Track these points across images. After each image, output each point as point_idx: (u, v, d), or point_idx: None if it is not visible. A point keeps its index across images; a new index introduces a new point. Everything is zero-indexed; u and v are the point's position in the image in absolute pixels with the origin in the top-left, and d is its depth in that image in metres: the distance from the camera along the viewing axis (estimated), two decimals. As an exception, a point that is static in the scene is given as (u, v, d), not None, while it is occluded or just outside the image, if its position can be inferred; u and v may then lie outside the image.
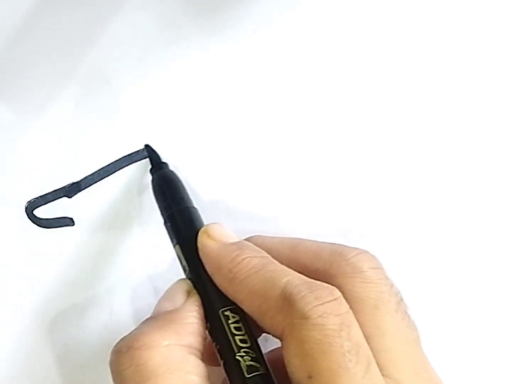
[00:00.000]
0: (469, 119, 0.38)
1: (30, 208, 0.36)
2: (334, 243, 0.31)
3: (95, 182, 0.37)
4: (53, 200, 0.36)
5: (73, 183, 0.37)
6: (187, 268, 0.31)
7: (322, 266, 0.30)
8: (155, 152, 0.36)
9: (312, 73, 0.37)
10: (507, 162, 0.38)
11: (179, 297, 0.30)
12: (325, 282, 0.28)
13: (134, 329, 0.29)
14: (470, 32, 0.38)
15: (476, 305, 0.37)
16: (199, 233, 0.31)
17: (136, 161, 0.36)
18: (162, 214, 0.34)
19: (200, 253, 0.31)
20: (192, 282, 0.31)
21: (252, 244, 0.31)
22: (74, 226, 0.36)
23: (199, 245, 0.31)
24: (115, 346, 0.29)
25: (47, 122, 0.36)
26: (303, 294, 0.27)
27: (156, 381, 0.27)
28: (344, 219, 0.37)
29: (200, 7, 0.37)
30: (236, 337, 0.29)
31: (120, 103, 0.37)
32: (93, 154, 0.37)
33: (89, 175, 0.37)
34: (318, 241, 0.32)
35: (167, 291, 0.31)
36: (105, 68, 0.36)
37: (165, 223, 0.33)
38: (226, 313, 0.29)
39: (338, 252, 0.30)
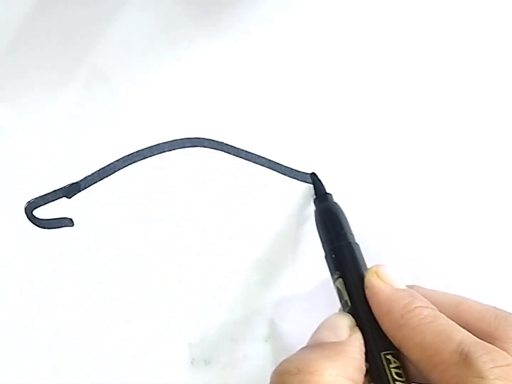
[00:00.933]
0: (469, 120, 0.38)
1: (29, 209, 0.36)
2: (497, 308, 0.31)
3: (95, 182, 0.37)
4: (52, 201, 0.36)
5: (73, 183, 0.36)
6: (349, 304, 0.32)
7: (486, 328, 0.30)
8: (320, 181, 0.37)
9: (312, 73, 0.37)
10: (507, 162, 0.38)
11: (343, 331, 0.31)
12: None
13: (299, 353, 0.30)
14: (470, 32, 0.38)
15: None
16: (369, 272, 0.32)
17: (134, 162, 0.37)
18: (325, 246, 0.34)
19: (368, 293, 0.31)
20: (354, 318, 0.31)
21: (419, 294, 0.31)
22: (74, 226, 0.36)
23: (367, 284, 0.31)
24: (280, 365, 0.29)
25: (47, 122, 0.36)
26: (480, 354, 0.27)
27: None
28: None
29: (200, 7, 0.37)
30: (397, 382, 0.29)
31: (120, 103, 0.37)
32: (93, 154, 0.37)
33: (89, 175, 0.37)
34: (481, 302, 0.32)
35: (329, 322, 0.32)
36: (105, 68, 0.36)
37: (327, 255, 0.34)
38: (388, 356, 0.30)
39: (504, 317, 0.30)
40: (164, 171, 0.37)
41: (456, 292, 0.35)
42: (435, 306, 0.31)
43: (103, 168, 0.37)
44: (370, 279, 0.31)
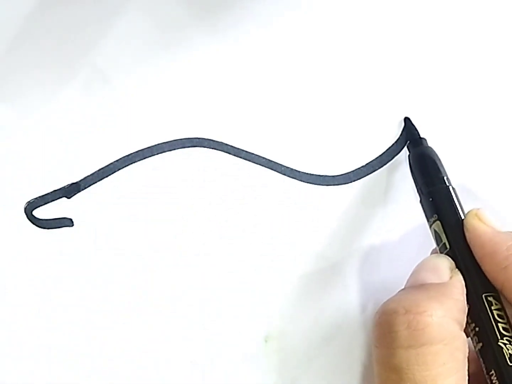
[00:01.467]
0: (468, 122, 0.38)
1: (29, 209, 0.36)
2: None
3: (95, 182, 0.37)
4: (52, 201, 0.36)
5: (73, 183, 0.36)
6: (447, 246, 0.32)
7: None
8: (414, 126, 0.37)
9: (312, 73, 0.37)
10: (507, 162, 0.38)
11: (444, 273, 0.31)
12: None
13: (403, 293, 0.31)
14: (470, 32, 0.38)
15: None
16: (469, 215, 0.32)
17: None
18: (421, 190, 0.34)
19: (469, 235, 0.31)
20: (454, 260, 0.32)
21: None
22: (74, 226, 0.36)
23: (468, 226, 0.32)
24: (385, 305, 0.30)
25: (47, 122, 0.36)
26: None
27: (430, 349, 0.28)
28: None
29: (201, 7, 0.37)
30: (500, 324, 0.30)
31: (120, 103, 0.37)
32: (93, 154, 0.37)
33: (89, 175, 0.37)
34: None
35: (428, 263, 0.32)
36: (105, 68, 0.36)
37: (422, 199, 0.34)
38: (489, 298, 0.30)
39: None
40: (164, 171, 0.37)
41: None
42: None
43: (103, 168, 0.37)
44: (471, 222, 0.32)
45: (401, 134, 0.37)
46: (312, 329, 0.37)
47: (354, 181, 0.38)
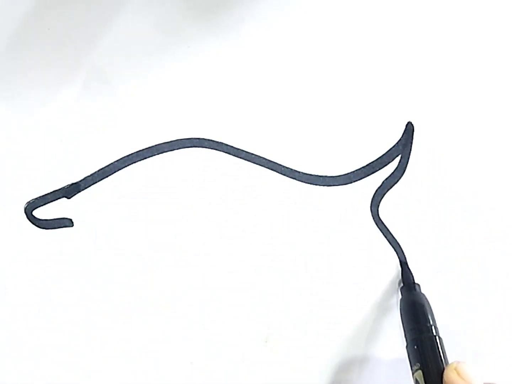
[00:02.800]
0: (469, 122, 0.38)
1: (29, 209, 0.36)
2: None
3: (95, 182, 0.37)
4: (52, 201, 0.36)
5: (73, 183, 0.36)
6: None
7: None
8: (409, 270, 0.37)
9: (312, 73, 0.37)
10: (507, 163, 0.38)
11: None
12: None
13: None
14: (472, 35, 0.38)
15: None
16: (448, 368, 0.32)
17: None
18: (407, 336, 0.35)
19: None
20: None
21: None
22: (74, 226, 0.36)
23: (445, 379, 0.32)
24: None
25: (47, 122, 0.36)
26: None
27: None
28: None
29: (201, 8, 0.37)
30: None
31: (120, 103, 0.36)
32: (93, 154, 0.37)
33: (89, 175, 0.37)
34: None
35: None
36: (105, 68, 0.36)
37: (408, 346, 0.34)
38: None
39: None
40: (164, 171, 0.37)
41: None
42: None
43: (103, 168, 0.37)
44: (449, 375, 0.32)
45: (401, 136, 0.37)
46: (312, 329, 0.37)
47: (354, 181, 0.37)
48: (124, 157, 0.37)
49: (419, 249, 0.38)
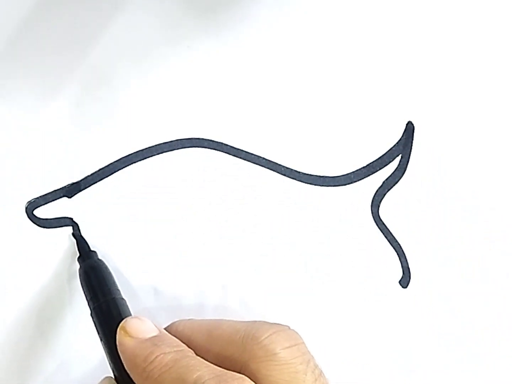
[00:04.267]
0: (469, 122, 0.38)
1: (30, 208, 0.36)
2: (251, 322, 0.31)
3: (95, 182, 0.37)
4: (53, 200, 0.36)
5: (73, 183, 0.37)
6: (111, 365, 0.32)
7: (236, 352, 0.30)
8: (83, 239, 0.36)
9: (312, 73, 0.37)
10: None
11: None
12: (241, 368, 0.28)
13: None
14: (472, 34, 0.38)
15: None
16: (118, 330, 0.31)
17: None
18: (89, 306, 0.33)
19: (119, 351, 0.31)
20: (116, 380, 0.31)
21: (169, 337, 0.31)
22: (74, 225, 0.36)
23: (117, 342, 0.31)
24: None
25: (47, 122, 0.36)
26: None
27: None
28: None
29: (201, 7, 0.36)
30: None
31: (120, 103, 0.36)
32: (93, 154, 0.37)
33: (89, 175, 0.37)
34: (235, 322, 0.32)
35: None
36: (105, 68, 0.36)
37: (91, 315, 0.33)
38: None
39: (251, 334, 0.30)
40: (164, 171, 0.37)
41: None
42: (191, 340, 0.31)
43: (103, 168, 0.37)
44: (118, 337, 0.31)
45: (402, 136, 0.37)
46: (312, 329, 0.37)
47: (354, 182, 0.37)
48: (124, 157, 0.37)
49: (419, 249, 0.38)
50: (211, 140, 0.37)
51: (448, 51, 0.38)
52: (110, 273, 0.34)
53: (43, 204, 0.36)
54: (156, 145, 0.37)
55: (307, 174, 0.37)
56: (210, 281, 0.37)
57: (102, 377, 0.32)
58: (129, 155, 0.37)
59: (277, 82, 0.37)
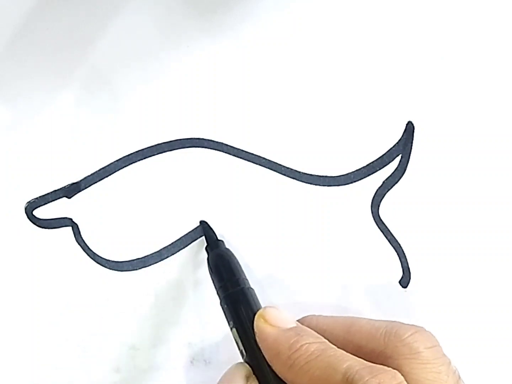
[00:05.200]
0: (470, 122, 0.38)
1: (29, 209, 0.36)
2: (389, 321, 0.31)
3: (95, 182, 0.37)
4: (52, 201, 0.36)
5: (73, 183, 0.37)
6: (244, 353, 0.32)
7: (377, 347, 0.30)
8: (211, 229, 0.36)
9: (312, 73, 0.37)
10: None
11: (239, 382, 0.31)
12: (382, 363, 0.28)
13: None
14: (472, 34, 0.38)
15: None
16: (256, 318, 0.31)
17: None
18: (219, 295, 0.34)
19: (257, 339, 0.31)
20: (251, 366, 0.31)
21: (308, 329, 0.31)
22: (74, 226, 0.36)
23: (256, 330, 0.31)
24: None
25: (47, 122, 0.36)
26: (366, 379, 0.27)
27: None
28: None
29: (200, 7, 0.36)
30: None
31: (120, 103, 0.36)
32: (93, 154, 0.37)
33: (89, 175, 0.37)
34: (372, 320, 0.32)
35: (226, 375, 0.32)
36: (105, 68, 0.36)
37: (221, 304, 0.34)
38: None
39: (394, 332, 0.30)
40: (164, 171, 0.37)
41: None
42: (327, 334, 0.31)
43: (103, 168, 0.37)
44: (257, 325, 0.31)
45: (402, 136, 0.37)
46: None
47: (354, 181, 0.37)
48: (124, 157, 0.37)
49: (419, 249, 0.38)
50: (211, 140, 0.37)
51: (448, 51, 0.38)
52: (238, 262, 0.35)
53: (43, 205, 0.36)
54: (156, 145, 0.37)
55: (308, 174, 0.37)
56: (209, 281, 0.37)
57: (232, 363, 0.32)
58: (129, 155, 0.37)
59: (277, 82, 0.37)
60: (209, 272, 0.35)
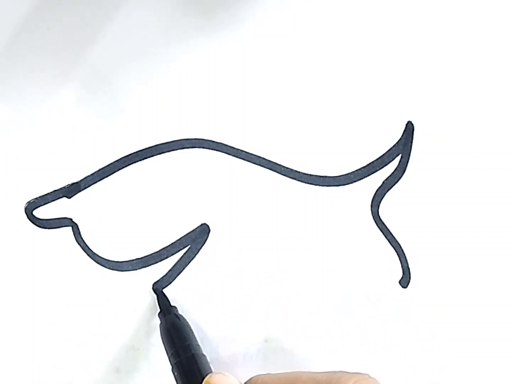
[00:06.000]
0: (470, 122, 0.38)
1: (29, 209, 0.36)
2: (332, 372, 0.31)
3: (95, 182, 0.37)
4: (52, 201, 0.36)
5: (73, 183, 0.37)
6: None
7: None
8: (164, 295, 0.37)
9: (312, 73, 0.37)
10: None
11: None
12: None
13: None
14: (472, 34, 0.38)
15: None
16: None
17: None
18: (170, 361, 0.34)
19: None
20: None
21: None
22: (73, 226, 0.36)
23: None
24: None
25: (47, 122, 0.36)
26: None
27: None
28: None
29: (200, 7, 0.36)
30: None
31: (120, 103, 0.36)
32: (93, 154, 0.37)
33: (89, 175, 0.37)
34: (315, 373, 0.32)
35: None
36: (105, 68, 0.36)
37: (172, 370, 0.34)
38: None
39: (335, 383, 0.30)
40: (164, 172, 0.37)
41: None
42: None
43: (103, 168, 0.37)
44: None
45: (402, 136, 0.37)
46: (312, 329, 0.37)
47: (354, 181, 0.37)
48: (124, 157, 0.37)
49: (419, 249, 0.38)
50: (211, 141, 0.37)
51: (448, 51, 0.38)
52: (190, 328, 0.35)
53: (43, 205, 0.36)
54: (156, 145, 0.37)
55: (307, 174, 0.37)
56: (209, 281, 0.37)
57: None
58: (129, 155, 0.37)
59: (276, 82, 0.37)
60: (161, 338, 0.35)
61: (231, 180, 0.37)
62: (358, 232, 0.38)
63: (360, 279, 0.37)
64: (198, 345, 0.35)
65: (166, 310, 0.36)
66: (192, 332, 0.35)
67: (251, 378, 0.34)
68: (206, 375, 0.33)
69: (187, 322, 0.36)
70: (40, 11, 0.36)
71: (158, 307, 0.36)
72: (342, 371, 0.31)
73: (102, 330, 0.36)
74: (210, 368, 0.34)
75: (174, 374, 0.34)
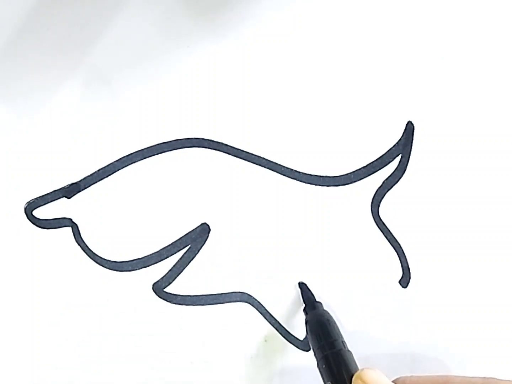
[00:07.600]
0: (470, 122, 0.38)
1: (29, 209, 0.36)
2: (485, 378, 0.32)
3: (95, 182, 0.37)
4: (52, 201, 0.36)
5: (73, 183, 0.36)
6: None
7: None
8: (309, 290, 0.37)
9: (312, 73, 0.37)
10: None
11: None
12: None
13: None
14: (472, 35, 0.38)
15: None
16: (354, 378, 0.32)
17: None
18: (316, 355, 0.35)
19: None
20: None
21: None
22: (73, 226, 0.36)
23: None
24: None
25: (47, 122, 0.36)
26: None
27: None
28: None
29: (201, 8, 0.36)
30: None
31: (120, 103, 0.36)
32: (93, 154, 0.37)
33: (89, 175, 0.37)
34: (467, 377, 0.33)
35: None
36: (105, 68, 0.36)
37: (318, 364, 0.34)
38: None
39: None
40: (164, 171, 0.37)
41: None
42: None
43: (103, 168, 0.37)
44: None
45: (402, 136, 0.37)
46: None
47: (354, 181, 0.37)
48: (124, 157, 0.37)
49: (419, 249, 0.38)
50: (211, 140, 0.37)
51: (448, 51, 0.38)
52: (336, 324, 0.36)
53: (42, 205, 0.36)
54: (156, 145, 0.37)
55: (307, 174, 0.37)
56: (209, 281, 0.37)
57: None
58: (129, 155, 0.37)
59: (277, 82, 0.37)
60: (308, 333, 0.36)
61: (231, 180, 0.37)
62: (358, 232, 0.38)
63: (360, 279, 0.37)
64: (344, 341, 0.35)
65: (312, 305, 0.37)
66: (337, 327, 0.36)
67: (399, 378, 0.35)
68: (356, 370, 0.33)
69: (332, 317, 0.36)
70: (40, 11, 0.36)
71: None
72: (493, 378, 0.32)
73: (102, 330, 0.36)
74: (356, 364, 0.34)
75: (320, 368, 0.34)
